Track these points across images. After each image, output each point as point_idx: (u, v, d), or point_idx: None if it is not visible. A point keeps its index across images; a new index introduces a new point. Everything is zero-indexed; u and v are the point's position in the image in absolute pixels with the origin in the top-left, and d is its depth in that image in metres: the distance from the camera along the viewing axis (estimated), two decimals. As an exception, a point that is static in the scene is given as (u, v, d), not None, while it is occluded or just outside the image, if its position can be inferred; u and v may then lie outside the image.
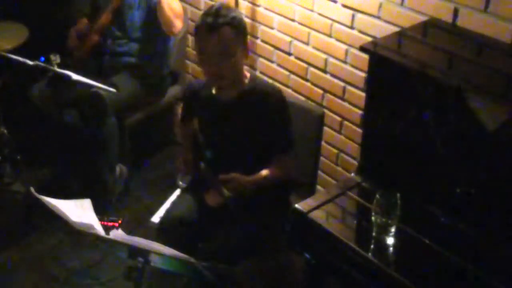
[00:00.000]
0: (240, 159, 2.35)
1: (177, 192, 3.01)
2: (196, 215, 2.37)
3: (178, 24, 2.99)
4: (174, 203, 2.51)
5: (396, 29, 2.34)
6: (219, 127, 2.38)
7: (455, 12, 2.15)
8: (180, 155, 2.58)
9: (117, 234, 1.88)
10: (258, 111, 2.30)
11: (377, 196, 1.92)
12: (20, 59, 2.57)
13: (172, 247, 1.91)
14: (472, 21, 2.10)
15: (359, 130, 2.66)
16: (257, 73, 3.15)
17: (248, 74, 2.35)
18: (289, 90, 3.00)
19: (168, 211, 2.45)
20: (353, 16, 2.54)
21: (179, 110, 3.65)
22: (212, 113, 2.39)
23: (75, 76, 2.53)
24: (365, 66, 2.30)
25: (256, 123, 2.30)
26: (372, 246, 1.95)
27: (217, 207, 2.30)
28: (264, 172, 2.30)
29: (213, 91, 2.36)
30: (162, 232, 2.34)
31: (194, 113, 2.51)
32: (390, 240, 1.94)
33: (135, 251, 1.95)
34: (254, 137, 2.32)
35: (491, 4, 2.03)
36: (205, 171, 2.27)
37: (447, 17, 2.17)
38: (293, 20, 2.85)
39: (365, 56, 2.23)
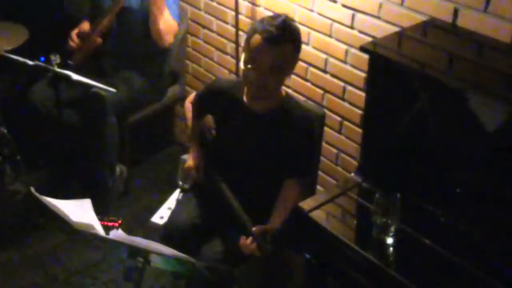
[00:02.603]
0: (253, 171, 2.31)
1: (177, 192, 3.01)
2: (199, 218, 2.36)
3: (169, 39, 2.99)
4: (177, 207, 2.49)
5: (396, 29, 2.34)
6: (240, 134, 2.33)
7: (455, 12, 2.15)
8: (190, 158, 2.53)
9: (117, 234, 1.88)
10: (285, 131, 2.25)
11: (377, 196, 1.92)
12: (20, 59, 2.57)
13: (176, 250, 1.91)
14: (472, 21, 2.10)
15: (359, 130, 2.66)
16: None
17: (284, 92, 2.32)
18: (289, 90, 3.00)
19: (172, 215, 2.43)
20: (353, 16, 2.54)
21: (179, 110, 3.65)
22: (237, 118, 2.32)
23: (75, 76, 2.53)
24: (365, 66, 2.30)
25: (279, 141, 2.26)
26: (372, 246, 1.95)
27: (220, 211, 2.28)
28: (287, 205, 2.23)
29: (244, 98, 2.29)
30: (167, 237, 2.32)
31: (214, 111, 2.44)
32: (390, 240, 1.94)
33: (135, 251, 1.95)
34: (273, 154, 2.27)
35: (491, 4, 2.03)
36: (241, 213, 2.20)
37: (447, 17, 2.17)
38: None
39: (365, 56, 2.23)
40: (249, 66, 2.14)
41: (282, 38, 2.08)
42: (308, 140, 2.30)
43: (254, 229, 2.13)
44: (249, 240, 2.13)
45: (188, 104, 2.71)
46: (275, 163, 2.28)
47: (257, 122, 2.28)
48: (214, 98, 2.42)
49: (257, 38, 2.10)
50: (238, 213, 2.21)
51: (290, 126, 2.25)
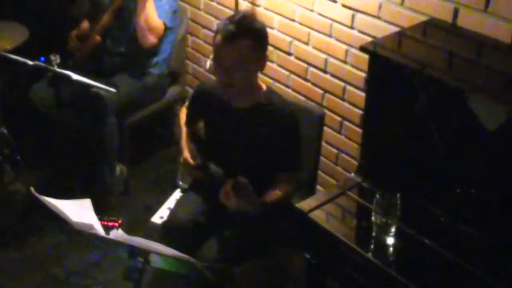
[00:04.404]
0: (244, 168, 2.29)
1: (177, 192, 3.02)
2: (199, 216, 2.36)
3: (151, 39, 2.95)
4: (177, 205, 2.49)
5: (396, 29, 2.34)
6: (227, 132, 2.34)
7: (455, 12, 2.15)
8: (182, 153, 2.54)
9: (117, 234, 1.88)
10: (268, 126, 2.25)
11: (377, 196, 1.92)
12: (20, 59, 2.57)
13: (176, 249, 1.91)
14: (472, 21, 2.10)
15: (359, 130, 2.66)
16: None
17: (264, 87, 2.31)
18: (289, 90, 3.00)
19: (171, 213, 2.43)
20: (353, 16, 2.55)
21: (178, 110, 3.65)
22: (222, 117, 2.34)
23: (75, 76, 2.53)
24: (365, 66, 2.30)
25: (264, 137, 2.25)
26: (372, 246, 1.95)
27: (220, 207, 2.28)
28: (274, 195, 2.23)
29: (225, 96, 2.30)
30: (166, 235, 2.32)
31: (202, 114, 2.45)
32: (390, 240, 1.94)
33: (135, 251, 1.95)
34: (260, 150, 2.27)
35: (491, 4, 2.03)
36: (218, 173, 2.23)
37: (447, 17, 2.18)
38: (293, 20, 2.85)
39: (365, 56, 2.23)
40: (214, 65, 2.18)
41: (238, 34, 2.08)
42: (295, 135, 2.29)
43: (240, 177, 2.08)
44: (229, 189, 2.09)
45: (182, 115, 2.70)
46: (264, 158, 2.28)
47: (241, 119, 2.29)
48: (200, 102, 2.44)
49: (217, 37, 2.14)
50: (219, 176, 2.20)
51: (275, 121, 2.24)
